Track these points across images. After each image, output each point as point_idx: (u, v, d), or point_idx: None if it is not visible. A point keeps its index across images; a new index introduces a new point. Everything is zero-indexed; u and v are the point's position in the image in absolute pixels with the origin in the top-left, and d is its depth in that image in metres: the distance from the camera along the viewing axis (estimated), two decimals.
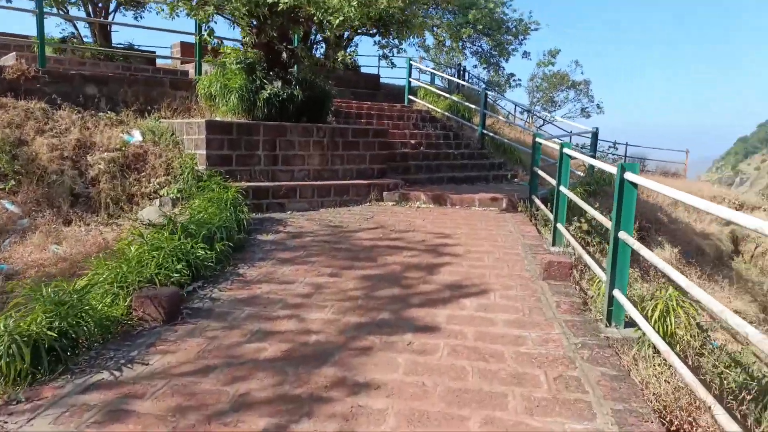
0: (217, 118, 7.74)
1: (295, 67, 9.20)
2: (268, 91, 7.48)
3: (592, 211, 4.50)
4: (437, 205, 7.93)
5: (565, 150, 5.55)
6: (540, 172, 7.23)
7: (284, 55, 8.09)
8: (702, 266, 9.04)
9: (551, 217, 6.40)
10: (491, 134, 10.99)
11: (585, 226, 6.82)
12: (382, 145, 8.71)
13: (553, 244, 5.70)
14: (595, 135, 9.23)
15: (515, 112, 22.38)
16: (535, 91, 25.26)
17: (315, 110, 8.34)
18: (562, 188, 5.60)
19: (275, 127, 7.49)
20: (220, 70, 7.81)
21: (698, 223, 10.73)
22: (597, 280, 4.25)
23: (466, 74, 19.00)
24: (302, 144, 7.74)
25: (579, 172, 10.76)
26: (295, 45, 8.24)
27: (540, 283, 4.49)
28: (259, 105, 7.55)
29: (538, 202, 7.23)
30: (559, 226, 5.62)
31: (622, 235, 3.51)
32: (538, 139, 7.39)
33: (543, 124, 23.36)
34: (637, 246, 3.39)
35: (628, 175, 3.48)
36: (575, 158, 5.88)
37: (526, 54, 15.59)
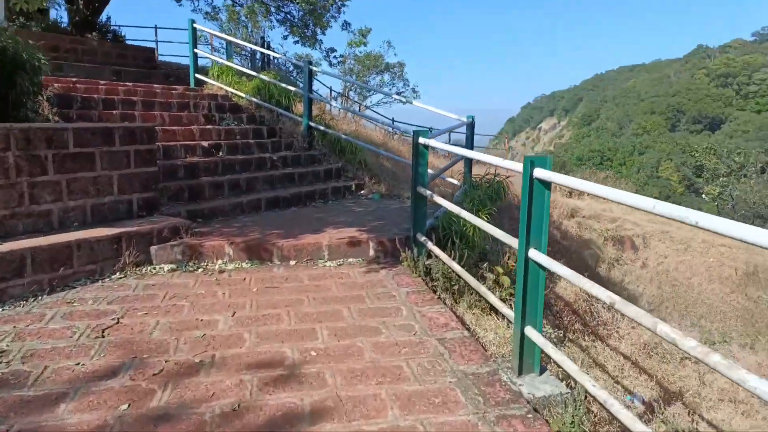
0: None
1: None
2: None
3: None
4: (257, 264, 4.44)
5: (542, 174, 2.57)
6: (438, 199, 4.20)
7: None
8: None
9: (481, 290, 3.45)
10: (322, 128, 7.76)
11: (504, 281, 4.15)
12: (146, 155, 4.85)
13: (520, 373, 2.72)
14: (471, 127, 6.65)
15: (331, 97, 19.54)
16: (348, 74, 22.65)
17: None
18: (536, 255, 2.64)
19: None
20: None
21: (582, 230, 9.04)
22: None
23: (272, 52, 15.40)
24: None
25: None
26: None
27: None
28: None
29: (431, 245, 4.24)
30: (535, 334, 2.66)
31: None
32: (423, 140, 4.35)
33: (360, 110, 20.97)
34: None
35: None
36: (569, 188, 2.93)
37: (346, 25, 12.65)
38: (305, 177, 7.04)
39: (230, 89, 8.40)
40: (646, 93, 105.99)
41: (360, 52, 22.69)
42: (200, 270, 4.27)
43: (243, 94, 8.23)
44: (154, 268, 4.26)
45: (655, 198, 2.11)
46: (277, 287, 3.91)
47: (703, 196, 22.66)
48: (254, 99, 8.10)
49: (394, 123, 20.55)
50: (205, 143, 6.57)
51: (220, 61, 8.87)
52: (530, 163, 2.68)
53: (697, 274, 11.58)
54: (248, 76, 8.78)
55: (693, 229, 17.49)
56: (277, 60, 18.64)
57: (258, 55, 13.86)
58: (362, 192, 7.32)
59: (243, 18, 19.60)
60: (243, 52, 18.92)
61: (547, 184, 2.69)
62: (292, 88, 7.96)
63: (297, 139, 7.80)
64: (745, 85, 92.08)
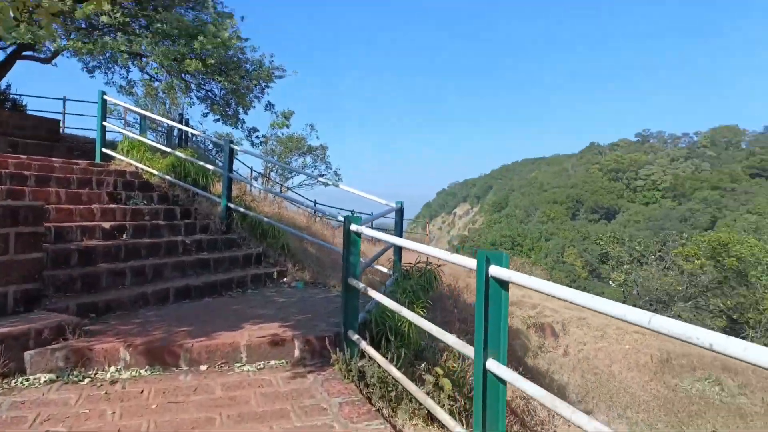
0: None
1: None
2: None
3: None
4: (159, 371, 3.74)
5: (499, 273, 2.28)
6: (373, 293, 3.81)
7: None
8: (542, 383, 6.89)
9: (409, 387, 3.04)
10: (242, 210, 7.26)
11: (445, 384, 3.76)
12: (30, 239, 4.12)
13: None
14: (400, 213, 6.45)
15: (251, 178, 19.15)
16: (270, 155, 22.44)
17: None
18: (496, 367, 2.29)
19: None
20: None
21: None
22: None
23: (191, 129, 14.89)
24: None
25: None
26: None
27: None
28: None
29: (365, 345, 3.79)
30: None
31: None
32: (355, 227, 4.01)
33: (281, 191, 20.68)
34: None
35: None
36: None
37: (270, 106, 12.51)
38: (222, 263, 6.42)
39: (141, 165, 7.77)
40: (548, 184, 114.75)
41: (282, 134, 22.71)
42: (87, 380, 3.51)
43: (155, 172, 7.62)
44: (28, 380, 3.45)
45: (565, 284, 1.89)
46: (182, 402, 3.24)
47: (610, 282, 24.06)
48: (168, 177, 7.51)
49: (317, 205, 20.38)
50: (106, 224, 5.85)
51: (132, 135, 8.28)
52: (485, 259, 2.40)
53: (616, 362, 11.78)
54: (162, 152, 8.22)
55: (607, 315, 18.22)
56: (196, 138, 18.13)
57: (176, 132, 13.30)
58: (285, 279, 6.79)
59: (161, 94, 19.17)
60: (159, 128, 18.27)
61: (505, 284, 2.41)
62: (211, 167, 7.49)
63: (214, 222, 7.22)
64: (633, 180, 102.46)
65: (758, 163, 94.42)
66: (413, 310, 4.47)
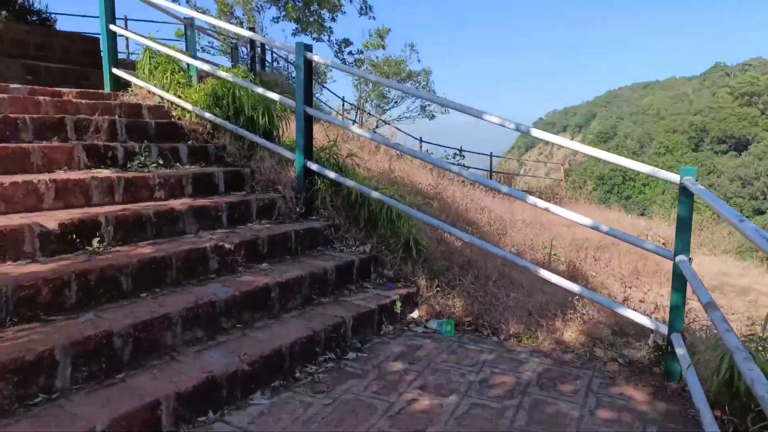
0: None
1: None
2: None
3: None
4: None
5: None
6: None
7: None
8: None
9: None
10: (331, 175, 3.96)
11: None
12: None
13: None
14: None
15: (343, 114, 15.83)
16: (362, 83, 18.92)
17: None
18: None
19: None
20: None
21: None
22: None
23: (267, 49, 11.61)
24: None
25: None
26: None
27: None
28: None
29: None
30: None
31: None
32: None
33: (377, 126, 17.26)
34: None
35: None
36: None
37: (366, 8, 8.90)
38: (297, 290, 3.18)
39: (168, 95, 4.61)
40: (666, 111, 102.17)
41: (376, 57, 18.97)
42: None
43: (188, 106, 4.43)
44: None
45: None
46: None
47: None
48: (207, 115, 4.30)
49: (422, 143, 16.75)
50: (52, 224, 2.75)
51: (156, 45, 5.06)
52: None
53: None
54: (206, 74, 4.97)
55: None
56: (277, 62, 14.90)
57: (244, 50, 9.99)
58: (415, 315, 3.48)
59: (238, 12, 15.97)
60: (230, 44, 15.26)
61: None
62: (276, 96, 4.13)
63: (284, 196, 3.97)
64: None
65: None
66: None
